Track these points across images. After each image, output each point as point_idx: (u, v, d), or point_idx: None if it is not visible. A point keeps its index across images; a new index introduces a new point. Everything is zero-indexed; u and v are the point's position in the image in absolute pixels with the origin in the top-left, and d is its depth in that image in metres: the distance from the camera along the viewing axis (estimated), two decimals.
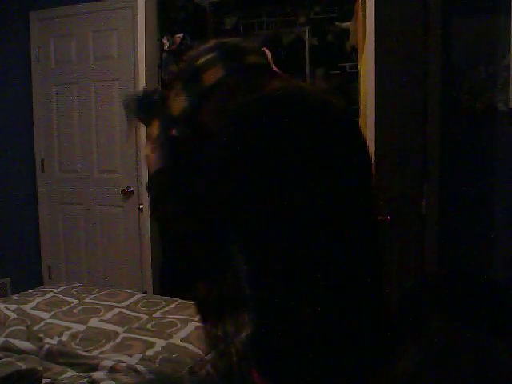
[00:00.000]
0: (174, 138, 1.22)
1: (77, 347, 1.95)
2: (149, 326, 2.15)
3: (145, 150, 1.27)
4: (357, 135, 1.17)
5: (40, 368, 1.68)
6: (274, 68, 1.22)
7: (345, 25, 3.18)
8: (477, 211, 2.69)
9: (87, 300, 2.46)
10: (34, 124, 3.78)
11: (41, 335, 2.02)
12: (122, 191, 3.48)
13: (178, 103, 1.20)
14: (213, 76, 1.13)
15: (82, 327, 2.13)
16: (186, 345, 1.94)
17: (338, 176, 1.06)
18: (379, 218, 2.25)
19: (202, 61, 1.15)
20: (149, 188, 1.23)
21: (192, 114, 1.18)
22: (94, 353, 1.90)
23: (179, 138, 1.22)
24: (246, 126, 1.03)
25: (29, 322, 2.12)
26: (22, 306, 2.32)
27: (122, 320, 2.21)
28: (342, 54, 3.34)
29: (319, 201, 1.02)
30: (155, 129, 1.25)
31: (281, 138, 1.01)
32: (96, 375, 1.69)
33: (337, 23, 3.30)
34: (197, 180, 1.09)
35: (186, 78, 1.18)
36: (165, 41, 3.25)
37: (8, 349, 1.82)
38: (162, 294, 2.69)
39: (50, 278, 3.84)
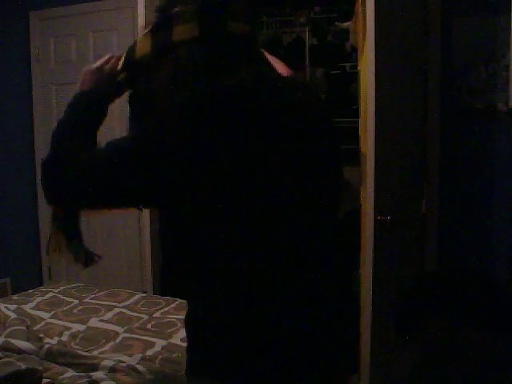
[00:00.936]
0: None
1: (77, 347, 1.95)
2: (149, 326, 2.15)
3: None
4: (327, 126, 1.14)
5: (40, 368, 1.68)
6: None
7: (345, 25, 3.18)
8: (477, 211, 2.69)
9: (87, 300, 2.46)
10: (33, 124, 3.78)
11: (41, 335, 2.02)
12: None
13: (142, 46, 1.07)
14: (183, 33, 1.00)
15: (82, 327, 2.13)
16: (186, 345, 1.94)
17: (300, 167, 1.02)
18: (379, 217, 2.25)
19: (180, 9, 1.01)
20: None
21: (148, 64, 1.06)
22: (94, 353, 1.90)
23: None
24: (202, 114, 0.94)
25: (29, 322, 2.12)
26: (22, 306, 2.32)
27: (121, 320, 2.21)
28: (342, 54, 3.34)
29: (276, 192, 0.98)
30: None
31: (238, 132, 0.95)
32: (96, 375, 1.69)
33: (337, 23, 3.29)
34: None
35: (158, 23, 1.04)
36: None
37: (8, 349, 1.82)
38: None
39: (49, 278, 3.84)
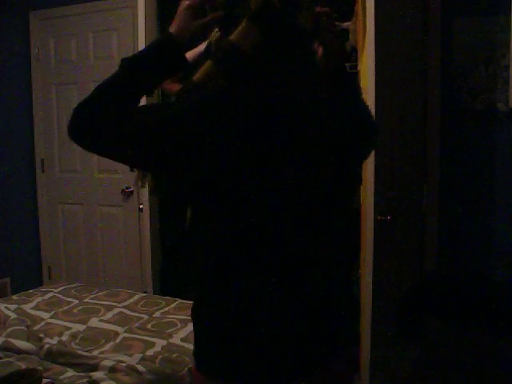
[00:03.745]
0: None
1: (77, 347, 1.95)
2: (149, 326, 2.16)
3: None
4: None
5: (40, 368, 1.68)
6: None
7: (345, 25, 3.18)
8: (477, 211, 2.69)
9: (87, 300, 2.46)
10: (34, 124, 3.78)
11: (41, 335, 2.02)
12: (122, 191, 3.48)
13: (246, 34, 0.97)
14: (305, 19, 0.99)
15: (82, 327, 2.13)
16: (186, 345, 1.94)
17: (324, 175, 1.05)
18: (379, 217, 2.25)
19: None
20: None
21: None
22: (94, 353, 1.90)
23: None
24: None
25: (29, 322, 2.12)
26: (22, 306, 2.32)
27: (122, 320, 2.21)
28: None
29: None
30: None
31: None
32: (96, 375, 1.69)
33: (337, 23, 3.29)
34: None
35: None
36: None
37: (8, 349, 1.82)
38: None
39: (49, 278, 3.84)
